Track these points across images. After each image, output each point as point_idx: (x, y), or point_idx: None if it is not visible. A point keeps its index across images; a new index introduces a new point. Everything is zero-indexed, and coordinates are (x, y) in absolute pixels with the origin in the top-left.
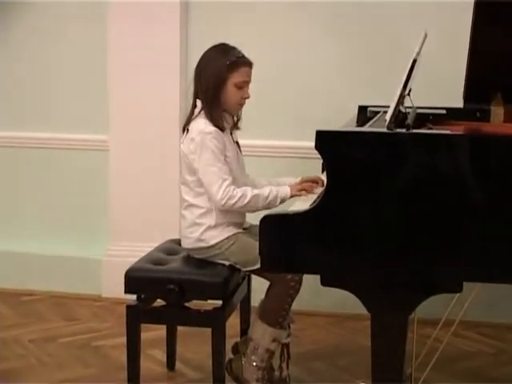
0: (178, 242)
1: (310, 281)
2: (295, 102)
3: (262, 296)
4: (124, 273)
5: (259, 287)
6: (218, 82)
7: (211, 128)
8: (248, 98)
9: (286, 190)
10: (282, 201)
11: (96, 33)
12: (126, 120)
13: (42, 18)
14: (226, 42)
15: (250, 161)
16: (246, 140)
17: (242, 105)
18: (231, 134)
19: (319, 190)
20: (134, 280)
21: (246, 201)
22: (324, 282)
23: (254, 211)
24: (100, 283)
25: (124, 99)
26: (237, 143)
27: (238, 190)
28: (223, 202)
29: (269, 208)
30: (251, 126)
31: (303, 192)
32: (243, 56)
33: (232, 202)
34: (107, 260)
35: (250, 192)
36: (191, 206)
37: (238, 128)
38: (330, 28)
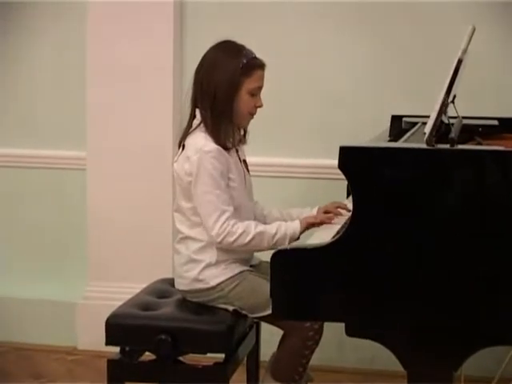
0: (172, 282)
1: (333, 330)
2: (314, 112)
3: (274, 348)
4: (105, 320)
5: (270, 338)
6: (230, 88)
7: (212, 145)
8: (261, 106)
9: (294, 226)
10: (292, 239)
11: (73, 32)
12: (108, 133)
13: (16, 18)
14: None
15: (258, 183)
16: (254, 158)
17: (253, 115)
18: (237, 150)
19: (343, 218)
20: (117, 328)
21: (247, 239)
22: (349, 332)
23: (257, 251)
24: (75, 332)
25: (105, 108)
26: (244, 162)
27: (240, 226)
28: (219, 239)
29: (275, 248)
30: (261, 140)
31: (318, 222)
32: (256, 56)
33: (230, 239)
34: (84, 304)
35: (253, 228)
36: (187, 238)
37: (244, 142)
38: (357, 25)
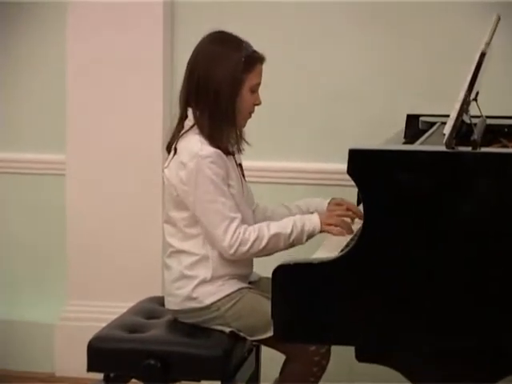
0: (161, 301)
1: (341, 354)
2: (322, 112)
3: (276, 375)
4: (86, 343)
5: (271, 363)
6: (233, 86)
7: (209, 149)
8: (260, 104)
9: (314, 222)
10: (310, 237)
11: (52, 26)
12: (89, 134)
13: None
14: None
15: (259, 190)
16: (252, 162)
17: (251, 114)
18: (233, 154)
19: (356, 226)
20: (101, 353)
21: (262, 244)
22: (360, 357)
23: (271, 254)
24: (53, 357)
25: (86, 106)
26: (240, 166)
27: (252, 231)
28: (233, 251)
29: (292, 247)
30: (263, 143)
31: (337, 229)
32: (255, 50)
33: (245, 248)
34: (63, 325)
35: (266, 231)
36: (179, 252)
37: (241, 150)
38: (369, 20)
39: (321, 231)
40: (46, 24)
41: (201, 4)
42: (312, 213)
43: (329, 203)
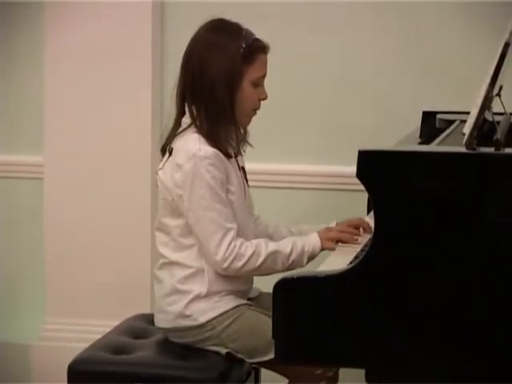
0: (150, 318)
1: (351, 376)
2: (329, 110)
3: None
4: (66, 366)
5: None
6: (230, 80)
7: (208, 149)
8: (266, 98)
9: (314, 242)
10: (310, 258)
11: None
12: (69, 134)
13: None
14: None
15: (260, 196)
16: (254, 164)
17: (256, 110)
18: (235, 156)
19: (364, 238)
20: (82, 376)
21: (258, 262)
22: (370, 379)
23: (268, 275)
24: (29, 380)
25: (66, 103)
26: (243, 170)
27: (248, 246)
28: (226, 265)
29: (292, 269)
30: (264, 144)
31: (338, 244)
32: (257, 38)
33: (239, 264)
34: (40, 346)
35: (263, 248)
36: (171, 264)
37: (243, 151)
38: (382, 7)
39: (322, 249)
40: (23, 23)
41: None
42: None
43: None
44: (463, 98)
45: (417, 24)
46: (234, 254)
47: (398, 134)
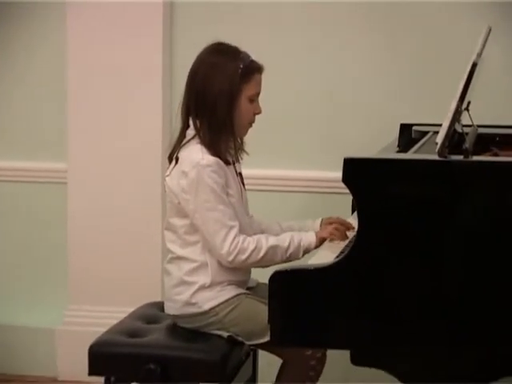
0: (161, 306)
1: (337, 358)
2: (317, 120)
3: (272, 378)
4: (87, 347)
5: (268, 367)
6: (230, 97)
7: (210, 158)
8: (260, 113)
9: (309, 237)
10: (306, 252)
11: (51, 34)
12: (91, 143)
13: None
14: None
15: (253, 198)
16: (250, 170)
17: (252, 123)
18: (233, 163)
19: (350, 235)
20: (102, 357)
21: (260, 254)
22: (355, 361)
23: (267, 266)
24: (55, 361)
25: (88, 115)
26: (240, 175)
27: (250, 241)
28: (231, 258)
29: (290, 261)
30: (257, 151)
31: (333, 236)
32: (253, 59)
33: (243, 257)
34: (64, 330)
35: (264, 242)
36: (178, 258)
37: (240, 158)
38: (364, 30)
39: (316, 246)
40: (45, 28)
41: (200, 8)
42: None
43: (321, 223)
44: (437, 112)
45: (392, 51)
46: (237, 249)
47: (379, 143)
